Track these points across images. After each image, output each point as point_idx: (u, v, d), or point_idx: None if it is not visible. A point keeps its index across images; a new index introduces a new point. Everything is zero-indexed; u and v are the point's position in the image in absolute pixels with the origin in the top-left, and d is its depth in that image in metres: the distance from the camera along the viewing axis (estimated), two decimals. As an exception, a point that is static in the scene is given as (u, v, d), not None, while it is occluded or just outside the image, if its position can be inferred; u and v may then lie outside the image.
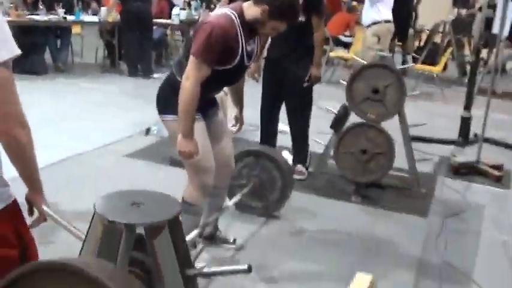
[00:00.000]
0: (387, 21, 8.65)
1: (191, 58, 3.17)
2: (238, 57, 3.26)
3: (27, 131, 1.88)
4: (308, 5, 5.08)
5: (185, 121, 3.22)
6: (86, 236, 1.61)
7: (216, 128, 3.62)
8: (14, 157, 1.91)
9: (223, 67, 3.26)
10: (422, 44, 13.49)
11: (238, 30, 3.22)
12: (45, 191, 2.11)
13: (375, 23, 8.62)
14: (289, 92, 5.38)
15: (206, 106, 3.54)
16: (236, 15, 3.24)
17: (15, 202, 1.98)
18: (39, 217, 2.10)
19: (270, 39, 5.45)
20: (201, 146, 3.36)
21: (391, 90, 5.03)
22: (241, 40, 3.25)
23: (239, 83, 3.77)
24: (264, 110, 5.59)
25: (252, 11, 3.27)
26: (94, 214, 1.56)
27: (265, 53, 5.54)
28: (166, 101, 3.41)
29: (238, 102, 3.92)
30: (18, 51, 1.83)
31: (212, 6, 14.69)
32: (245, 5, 3.32)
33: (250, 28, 3.29)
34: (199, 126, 3.41)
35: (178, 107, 3.21)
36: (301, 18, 5.11)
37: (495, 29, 6.10)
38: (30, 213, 2.09)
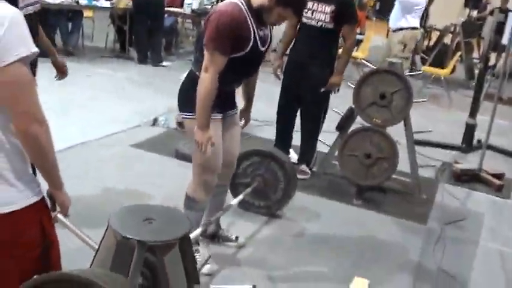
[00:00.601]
0: (414, 28, 8.67)
1: (205, 50, 3.23)
2: (251, 42, 3.29)
3: (46, 128, 1.92)
4: (340, 14, 5.13)
5: (202, 112, 3.28)
6: (98, 247, 1.68)
7: (231, 129, 3.68)
8: (32, 154, 1.95)
9: (238, 54, 3.29)
10: (431, 43, 13.49)
11: (247, 16, 3.27)
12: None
13: (401, 29, 8.65)
14: (306, 96, 5.40)
15: (227, 105, 3.60)
16: (243, 2, 3.29)
17: (44, 199, 2.04)
18: (61, 212, 2.13)
19: (293, 42, 5.49)
20: (215, 147, 3.43)
21: (398, 97, 5.08)
22: (251, 25, 3.29)
23: (252, 77, 3.79)
24: (281, 110, 5.62)
25: None
26: (107, 227, 1.63)
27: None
28: (187, 99, 3.42)
29: (247, 97, 3.93)
30: (36, 49, 1.88)
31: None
32: None
33: (258, 16, 3.32)
34: (217, 127, 3.47)
35: (197, 98, 3.27)
36: (329, 26, 5.15)
37: (505, 39, 6.13)
38: (53, 209, 2.13)
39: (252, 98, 3.94)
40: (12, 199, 1.93)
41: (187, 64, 7.57)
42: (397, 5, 8.87)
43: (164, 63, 9.99)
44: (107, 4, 10.19)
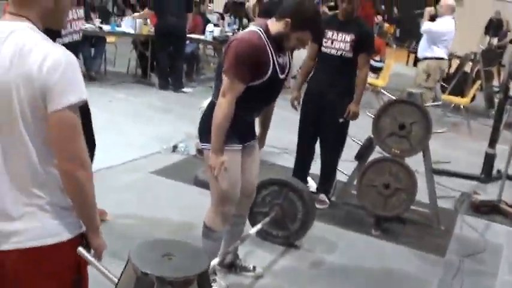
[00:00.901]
0: (439, 59, 8.64)
1: (224, 76, 3.29)
2: (270, 70, 3.34)
3: (89, 173, 1.98)
4: (359, 42, 5.18)
5: (217, 136, 3.33)
6: (118, 281, 1.72)
7: (250, 160, 3.71)
8: (73, 197, 2.00)
9: (257, 82, 3.34)
10: (452, 71, 13.46)
11: (266, 44, 3.32)
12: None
13: (426, 58, 8.64)
14: (325, 125, 5.41)
15: (247, 136, 3.65)
16: (262, 30, 3.36)
17: (82, 235, 2.08)
18: (95, 255, 2.15)
19: (313, 72, 5.53)
20: (234, 177, 3.51)
21: (417, 127, 5.10)
22: (271, 52, 3.34)
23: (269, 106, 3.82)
24: (300, 139, 5.63)
25: (276, 26, 3.38)
26: (127, 262, 1.67)
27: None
28: (208, 129, 3.43)
29: (264, 124, 3.95)
30: (85, 97, 1.92)
31: (245, 21, 14.84)
32: (269, 22, 3.43)
33: (277, 43, 3.38)
34: (236, 159, 3.52)
35: (212, 122, 3.32)
36: (349, 54, 5.20)
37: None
38: (88, 249, 2.13)
39: (268, 125, 3.97)
40: (51, 232, 1.98)
41: (209, 90, 7.67)
42: (424, 35, 8.86)
43: (185, 90, 10.07)
44: (131, 30, 10.31)
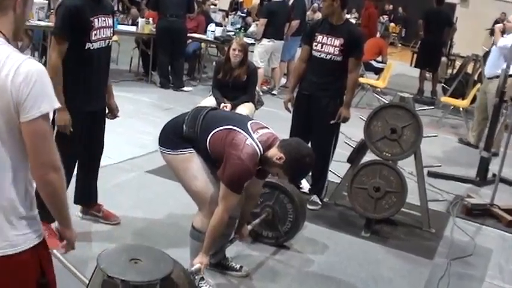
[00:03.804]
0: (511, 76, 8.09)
1: (223, 187, 3.53)
2: None
3: (60, 175, 2.09)
4: (348, 45, 5.23)
5: (211, 240, 3.61)
6: (88, 283, 1.79)
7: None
8: (47, 198, 2.12)
9: None
10: (455, 71, 13.48)
11: (256, 168, 3.58)
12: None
13: (498, 76, 7.65)
14: (316, 127, 5.47)
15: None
16: (261, 154, 3.55)
17: (44, 242, 2.17)
18: (68, 245, 2.28)
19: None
20: (203, 178, 3.74)
21: (408, 131, 5.16)
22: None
23: (254, 200, 4.12)
24: None
25: (272, 151, 3.58)
26: (96, 266, 1.74)
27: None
28: (168, 138, 3.85)
29: (243, 218, 4.11)
30: (57, 105, 2.04)
31: (249, 20, 14.82)
32: (276, 144, 3.61)
33: (262, 164, 3.62)
34: (197, 160, 3.74)
35: (209, 229, 3.60)
36: (338, 58, 5.26)
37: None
38: (61, 240, 2.30)
39: (246, 219, 4.18)
40: (13, 242, 2.05)
41: (209, 89, 7.71)
42: (494, 52, 8.45)
43: (185, 89, 10.15)
44: (132, 29, 10.39)
